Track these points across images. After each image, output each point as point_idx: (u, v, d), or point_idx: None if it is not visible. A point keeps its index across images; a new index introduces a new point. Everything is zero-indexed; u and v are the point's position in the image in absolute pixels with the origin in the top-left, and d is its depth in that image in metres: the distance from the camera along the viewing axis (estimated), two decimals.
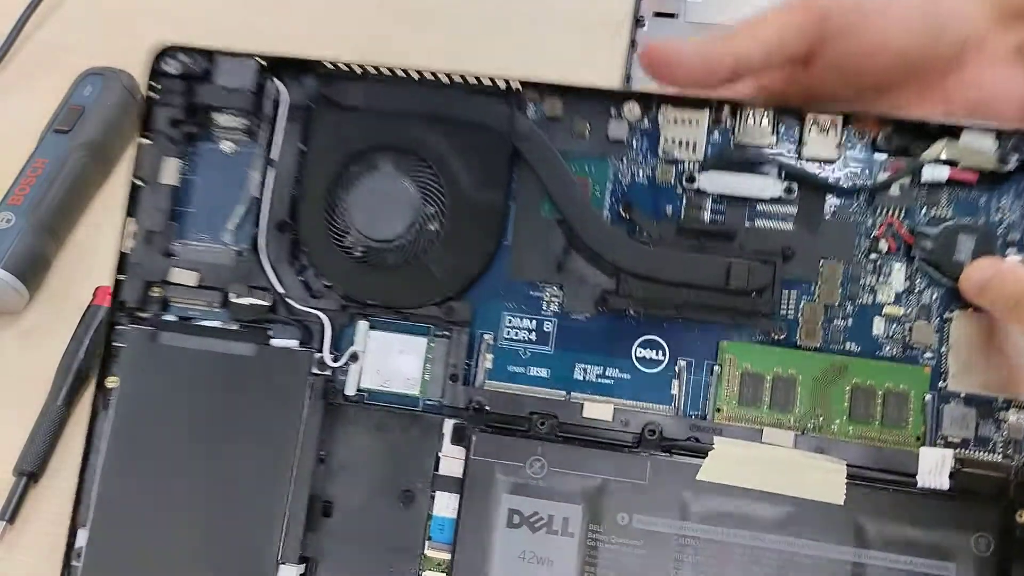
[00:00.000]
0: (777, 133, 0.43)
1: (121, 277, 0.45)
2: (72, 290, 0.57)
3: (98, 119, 0.59)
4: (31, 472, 0.53)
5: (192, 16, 0.64)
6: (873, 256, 0.43)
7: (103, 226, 0.60)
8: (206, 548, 0.43)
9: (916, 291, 0.42)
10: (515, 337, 0.44)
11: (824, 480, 0.40)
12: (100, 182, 0.60)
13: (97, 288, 0.57)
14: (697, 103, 0.43)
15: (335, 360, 0.44)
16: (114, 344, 0.45)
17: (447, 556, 0.42)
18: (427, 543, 0.43)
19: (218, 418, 0.43)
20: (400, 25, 0.64)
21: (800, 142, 0.43)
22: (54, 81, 0.61)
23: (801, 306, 0.43)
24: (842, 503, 0.40)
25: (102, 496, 0.43)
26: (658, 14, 0.60)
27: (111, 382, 0.44)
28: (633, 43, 0.59)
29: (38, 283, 0.57)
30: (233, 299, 0.44)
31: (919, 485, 0.40)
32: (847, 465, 0.40)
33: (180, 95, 0.45)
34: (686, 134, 0.44)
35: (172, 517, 0.43)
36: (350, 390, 0.44)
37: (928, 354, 0.42)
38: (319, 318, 0.44)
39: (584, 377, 0.43)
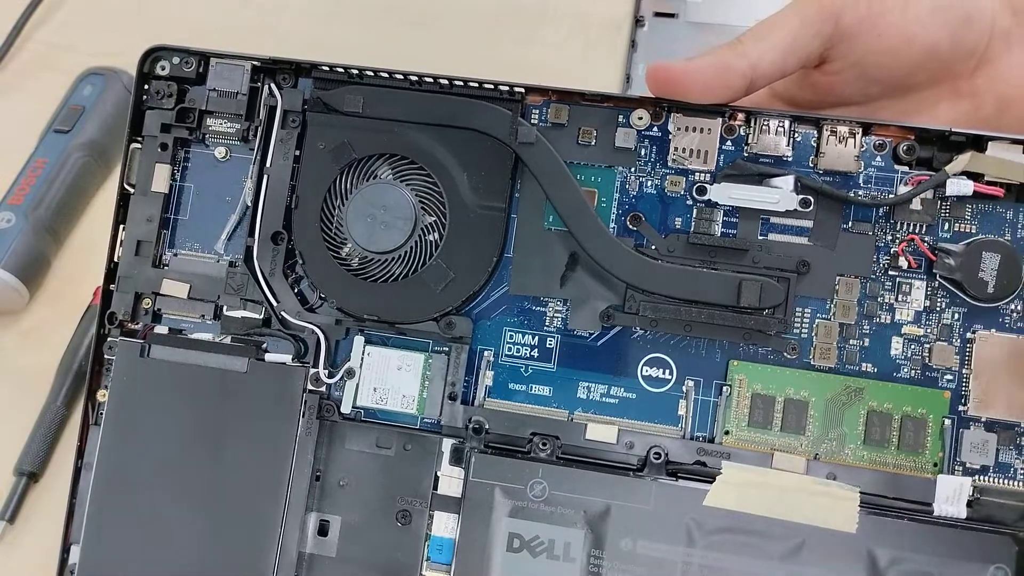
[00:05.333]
0: (793, 143, 0.41)
1: (112, 288, 0.44)
2: (72, 290, 0.57)
3: (98, 119, 0.58)
4: (31, 472, 0.53)
5: (192, 16, 0.63)
6: (892, 273, 0.41)
7: (103, 226, 0.59)
8: (200, 567, 0.42)
9: (937, 310, 0.40)
10: (516, 354, 0.42)
11: (836, 508, 0.39)
12: (100, 182, 0.60)
13: (97, 288, 0.56)
14: (709, 111, 0.41)
15: (330, 376, 0.42)
16: (104, 356, 0.43)
17: None
18: (425, 564, 0.42)
19: (211, 435, 0.42)
20: (400, 25, 0.63)
21: (817, 153, 0.41)
22: (54, 81, 0.61)
23: (815, 324, 0.41)
24: (854, 531, 0.39)
25: (93, 514, 0.42)
26: (658, 14, 0.60)
27: (101, 396, 0.43)
28: (633, 43, 0.58)
29: (38, 283, 0.57)
30: (226, 312, 0.43)
31: (935, 514, 0.39)
32: (860, 492, 0.39)
33: (171, 98, 0.44)
34: (697, 143, 0.42)
35: (165, 537, 0.42)
36: (346, 408, 0.42)
37: (948, 377, 0.40)
38: (314, 332, 0.43)
39: (588, 396, 0.42)
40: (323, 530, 0.42)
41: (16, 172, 0.57)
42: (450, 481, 0.42)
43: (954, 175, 0.40)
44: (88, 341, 0.55)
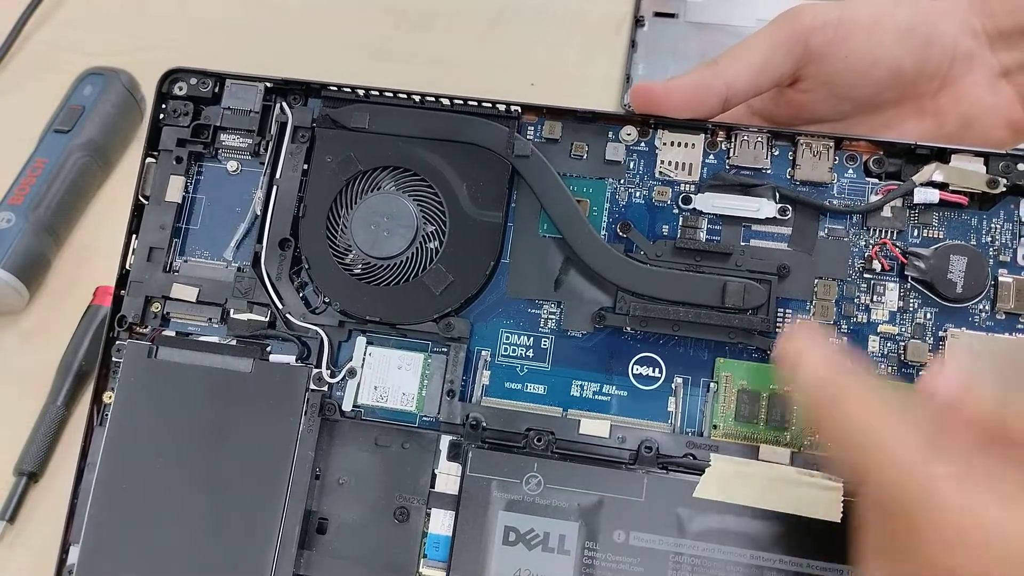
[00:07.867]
0: (771, 156, 0.44)
1: (122, 292, 0.45)
2: (72, 290, 0.57)
3: (98, 119, 0.59)
4: (31, 472, 0.53)
5: (192, 16, 0.65)
6: (867, 276, 0.43)
7: (103, 226, 0.60)
8: (200, 565, 0.42)
9: (910, 310, 0.43)
10: (512, 354, 0.44)
11: (821, 497, 0.40)
12: (100, 182, 0.60)
13: (97, 288, 0.57)
14: (693, 127, 0.44)
15: (332, 376, 0.44)
16: (112, 359, 0.45)
17: (442, 574, 0.42)
18: (422, 561, 0.42)
19: (214, 434, 0.43)
20: (401, 25, 0.64)
21: (793, 165, 0.44)
22: (54, 81, 0.61)
23: (796, 324, 0.43)
24: (839, 520, 0.40)
25: (94, 513, 0.43)
26: (658, 14, 0.60)
27: (107, 397, 0.44)
28: (633, 43, 0.59)
29: (38, 283, 0.57)
30: (232, 314, 0.45)
31: None
32: (844, 483, 0.40)
33: (187, 116, 0.46)
34: (682, 156, 0.44)
35: (166, 534, 0.42)
36: (347, 406, 0.44)
37: (923, 372, 0.42)
38: (318, 334, 0.44)
39: (581, 394, 0.43)
40: (322, 528, 0.43)
41: (16, 172, 0.57)
42: (447, 479, 0.43)
43: (921, 184, 0.43)
44: (88, 341, 0.55)
